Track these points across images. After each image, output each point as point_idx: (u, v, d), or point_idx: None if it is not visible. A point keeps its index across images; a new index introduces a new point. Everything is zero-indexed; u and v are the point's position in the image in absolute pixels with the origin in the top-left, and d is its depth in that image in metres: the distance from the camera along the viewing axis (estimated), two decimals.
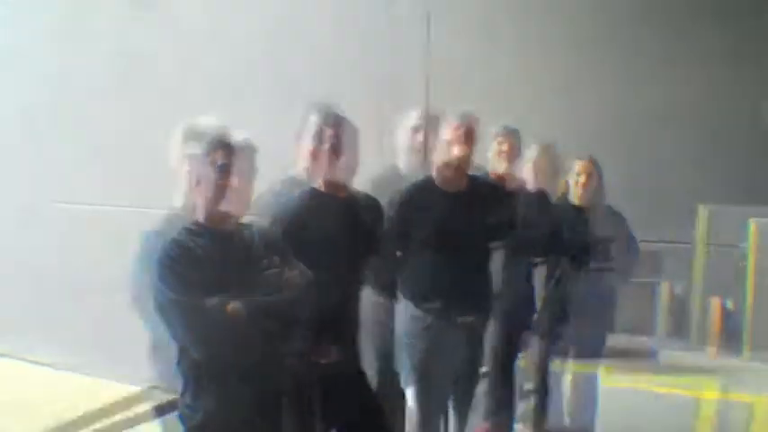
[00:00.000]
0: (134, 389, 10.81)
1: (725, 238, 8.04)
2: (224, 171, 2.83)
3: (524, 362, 5.33)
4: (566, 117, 8.91)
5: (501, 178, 4.74)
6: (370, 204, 3.82)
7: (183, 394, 2.93)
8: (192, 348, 2.74)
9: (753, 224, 7.72)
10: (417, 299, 4.07)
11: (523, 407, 5.39)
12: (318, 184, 3.58)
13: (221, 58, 11.00)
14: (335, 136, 3.56)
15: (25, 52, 12.16)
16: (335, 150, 3.54)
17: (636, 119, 8.59)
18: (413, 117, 3.89)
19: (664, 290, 7.11)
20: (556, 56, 9.06)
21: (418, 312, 4.06)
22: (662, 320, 7.18)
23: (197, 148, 2.90)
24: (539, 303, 5.12)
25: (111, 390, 10.68)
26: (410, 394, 4.11)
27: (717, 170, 8.24)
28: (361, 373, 3.89)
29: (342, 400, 3.63)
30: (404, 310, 4.12)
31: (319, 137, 3.55)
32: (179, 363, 2.91)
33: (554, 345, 5.37)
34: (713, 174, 8.20)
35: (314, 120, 3.58)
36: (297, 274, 2.97)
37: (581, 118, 8.76)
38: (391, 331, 4.19)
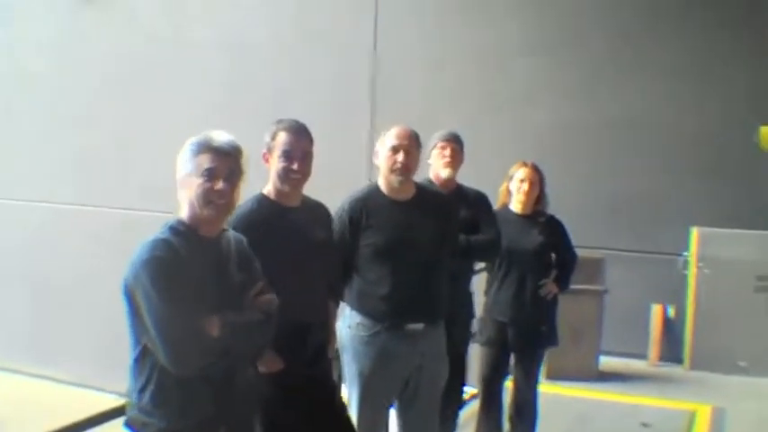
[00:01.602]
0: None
1: (668, 248, 8.22)
2: (210, 175, 2.78)
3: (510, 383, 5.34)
4: (518, 125, 9.06)
5: (444, 184, 4.74)
6: (322, 212, 3.81)
7: (144, 400, 2.79)
8: (163, 358, 2.66)
9: (694, 232, 7.90)
10: (364, 306, 4.04)
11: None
12: (277, 194, 3.55)
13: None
14: (297, 145, 3.54)
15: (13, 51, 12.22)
16: (292, 159, 3.52)
17: (592, 127, 8.81)
18: (391, 136, 3.86)
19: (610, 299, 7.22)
20: (510, 62, 9.24)
21: (365, 320, 4.04)
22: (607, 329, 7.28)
23: (185, 151, 2.84)
24: (478, 309, 5.14)
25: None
26: (353, 401, 4.08)
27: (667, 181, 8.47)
28: (331, 388, 3.80)
29: (312, 419, 3.58)
30: (348, 318, 4.08)
31: (287, 149, 3.52)
32: (137, 360, 2.78)
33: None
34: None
35: (283, 134, 3.55)
36: (268, 298, 2.94)
37: (534, 126, 8.92)
38: None
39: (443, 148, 4.68)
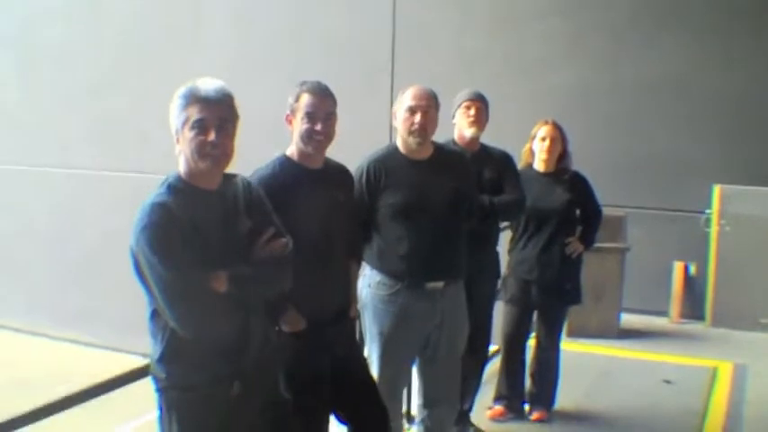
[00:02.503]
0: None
1: (690, 205, 8.17)
2: (201, 126, 2.73)
3: (533, 341, 5.35)
4: (538, 88, 8.99)
5: (468, 144, 4.71)
6: (344, 174, 3.80)
7: (159, 356, 2.82)
8: (172, 322, 2.67)
9: (716, 189, 7.85)
10: (385, 265, 4.05)
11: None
12: (300, 155, 3.54)
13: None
14: (321, 106, 3.51)
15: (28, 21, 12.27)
16: (316, 120, 3.50)
17: (612, 89, 8.72)
18: (408, 97, 3.83)
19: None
20: (531, 25, 9.15)
21: (385, 279, 4.05)
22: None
23: (174, 105, 2.80)
24: (504, 269, 5.13)
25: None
26: (374, 360, 4.10)
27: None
28: (353, 347, 3.82)
29: (335, 378, 3.60)
30: (368, 277, 4.09)
31: (310, 111, 3.49)
32: (151, 319, 2.80)
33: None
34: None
35: (306, 96, 3.52)
36: (281, 243, 2.91)
37: (555, 88, 8.85)
38: None
39: (468, 107, 4.63)
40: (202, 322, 2.66)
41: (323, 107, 3.44)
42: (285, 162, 3.49)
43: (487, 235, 4.70)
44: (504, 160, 4.72)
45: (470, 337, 4.47)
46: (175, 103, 2.73)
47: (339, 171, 3.68)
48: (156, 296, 2.63)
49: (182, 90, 2.73)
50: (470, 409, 4.95)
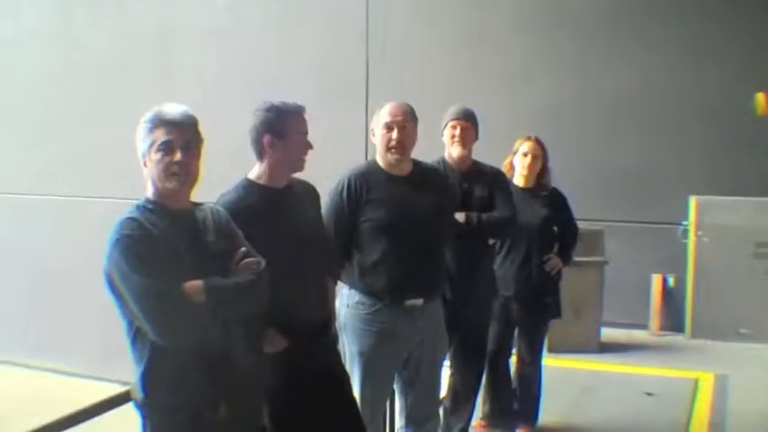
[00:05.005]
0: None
1: (667, 217, 8.21)
2: (167, 148, 2.76)
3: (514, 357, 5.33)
4: (514, 103, 9.02)
5: (457, 162, 4.69)
6: (309, 190, 3.77)
7: (140, 375, 2.79)
8: (150, 332, 2.65)
9: (693, 200, 7.86)
10: (365, 283, 4.02)
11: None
12: (267, 178, 3.50)
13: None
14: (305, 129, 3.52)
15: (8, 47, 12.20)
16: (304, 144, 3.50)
17: (588, 102, 8.78)
18: (385, 114, 3.82)
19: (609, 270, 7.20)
20: (505, 40, 9.19)
21: (364, 298, 4.02)
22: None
23: (140, 129, 2.82)
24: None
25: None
26: (355, 380, 4.05)
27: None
28: (335, 373, 3.74)
29: (317, 396, 3.55)
30: (347, 297, 4.06)
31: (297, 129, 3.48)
32: (133, 343, 2.78)
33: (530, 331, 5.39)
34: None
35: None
36: (253, 261, 2.91)
37: (530, 103, 8.88)
38: None
39: (454, 127, 4.64)
40: (181, 329, 2.64)
41: (304, 128, 3.44)
42: (249, 185, 3.46)
43: (479, 252, 4.69)
44: (496, 177, 4.73)
45: (466, 356, 4.47)
46: (141, 127, 2.78)
47: (305, 187, 3.66)
48: (132, 309, 2.62)
49: (147, 115, 2.79)
50: (466, 429, 4.91)
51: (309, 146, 3.42)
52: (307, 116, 3.48)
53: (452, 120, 4.66)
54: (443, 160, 4.66)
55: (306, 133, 3.42)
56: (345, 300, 4.00)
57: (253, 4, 10.51)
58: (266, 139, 3.38)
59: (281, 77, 9.63)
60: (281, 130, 3.38)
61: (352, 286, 4.00)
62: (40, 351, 11.11)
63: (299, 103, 3.48)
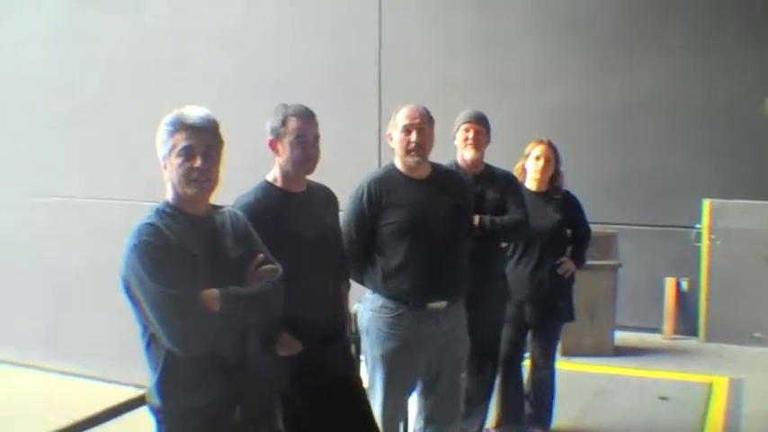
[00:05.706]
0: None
1: (680, 221, 8.19)
2: (187, 153, 2.75)
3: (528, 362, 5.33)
4: (527, 108, 9.02)
5: (470, 166, 4.70)
6: (327, 194, 3.79)
7: (156, 381, 2.80)
8: (165, 340, 2.65)
9: (706, 204, 7.85)
10: (388, 287, 4.02)
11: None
12: (285, 180, 3.52)
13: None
14: (310, 130, 3.51)
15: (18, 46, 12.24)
16: (308, 144, 3.50)
17: (601, 107, 8.77)
18: (403, 117, 3.84)
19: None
20: (518, 46, 9.19)
21: (388, 302, 4.02)
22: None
23: (161, 132, 2.82)
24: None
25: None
26: (377, 384, 4.04)
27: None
28: (349, 377, 3.74)
29: (330, 399, 3.55)
30: (370, 301, 4.06)
31: (301, 135, 3.48)
32: (148, 347, 2.79)
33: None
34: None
35: (294, 120, 3.50)
36: (270, 268, 2.91)
37: (543, 108, 8.88)
38: None
39: (467, 130, 4.66)
40: (196, 338, 2.64)
41: (311, 130, 3.45)
42: (267, 187, 3.48)
43: (492, 255, 4.69)
44: (508, 181, 4.74)
45: (479, 360, 4.45)
46: (162, 130, 2.76)
47: (323, 192, 3.68)
48: (148, 316, 2.62)
49: (168, 118, 2.76)
50: None
51: (310, 148, 3.42)
52: (320, 120, 3.50)
53: (465, 123, 4.67)
54: (455, 164, 4.67)
55: (304, 135, 3.41)
56: (369, 304, 4.02)
57: (266, 8, 10.53)
58: (270, 141, 3.47)
59: (293, 81, 9.67)
60: (279, 132, 3.43)
61: (375, 290, 4.01)
62: (56, 354, 11.17)
63: (311, 107, 3.50)
